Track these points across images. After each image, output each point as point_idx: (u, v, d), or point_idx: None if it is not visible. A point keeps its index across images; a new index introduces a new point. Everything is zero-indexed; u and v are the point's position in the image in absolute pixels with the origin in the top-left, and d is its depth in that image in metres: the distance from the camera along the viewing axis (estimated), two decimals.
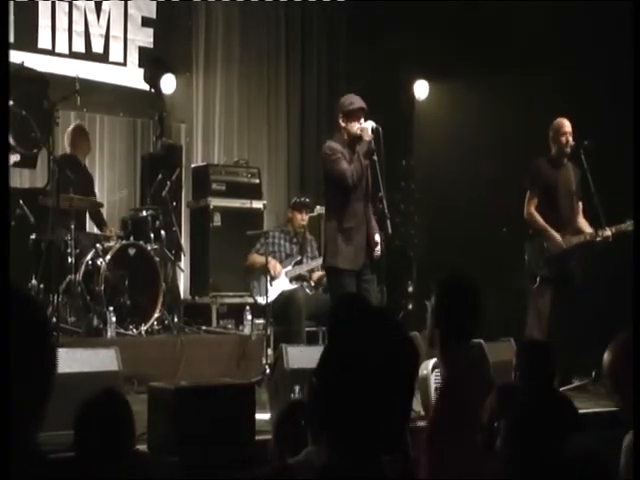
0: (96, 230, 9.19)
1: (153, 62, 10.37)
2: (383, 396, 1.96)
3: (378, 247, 6.96)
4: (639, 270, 6.31)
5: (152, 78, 10.31)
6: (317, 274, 8.78)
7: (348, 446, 1.96)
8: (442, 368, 3.97)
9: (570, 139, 7.88)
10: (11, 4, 8.43)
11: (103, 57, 10.07)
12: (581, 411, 6.59)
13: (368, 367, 1.96)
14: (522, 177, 8.04)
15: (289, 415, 3.71)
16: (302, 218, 8.97)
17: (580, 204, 8.05)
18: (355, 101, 6.97)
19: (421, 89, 11.26)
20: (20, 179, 9.28)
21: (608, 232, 7.74)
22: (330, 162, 6.93)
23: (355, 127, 6.89)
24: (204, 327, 9.23)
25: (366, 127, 6.83)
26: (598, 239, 7.75)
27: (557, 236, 7.83)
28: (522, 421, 2.36)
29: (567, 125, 7.92)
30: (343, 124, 6.96)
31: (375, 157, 6.83)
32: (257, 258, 8.74)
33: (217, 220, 9.71)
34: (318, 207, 9.55)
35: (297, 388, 5.89)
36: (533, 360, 4.18)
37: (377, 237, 6.98)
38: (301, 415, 3.51)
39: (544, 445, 2.34)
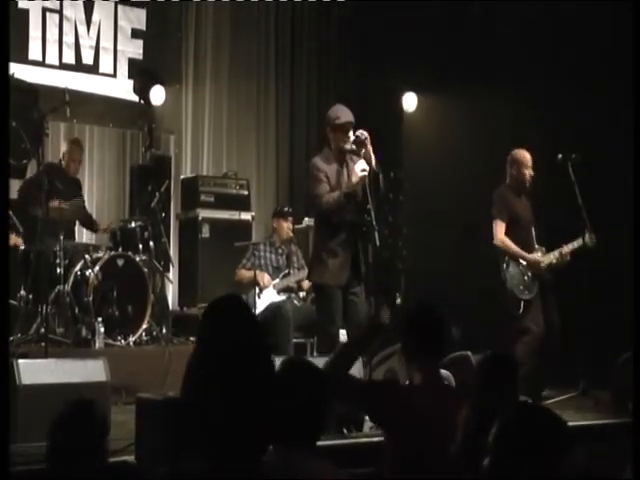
0: (85, 239, 9.19)
1: (143, 73, 10.39)
2: (246, 399, 1.98)
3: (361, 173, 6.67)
4: (639, 273, 6.37)
5: (141, 89, 10.33)
6: (307, 283, 8.78)
7: (221, 449, 1.98)
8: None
9: (532, 174, 7.94)
10: None
11: (93, 68, 10.11)
12: (568, 424, 6.66)
13: (230, 368, 1.99)
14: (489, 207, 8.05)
15: None
16: (288, 226, 8.99)
17: (534, 232, 8.12)
18: (341, 115, 6.87)
19: (410, 101, 11.30)
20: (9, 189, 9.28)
21: (565, 249, 7.86)
22: (312, 181, 6.86)
23: (342, 142, 6.84)
24: (192, 338, 9.21)
25: (357, 172, 6.66)
26: (558, 260, 7.86)
27: (533, 255, 7.89)
28: (509, 439, 2.34)
29: (530, 159, 7.97)
30: (331, 137, 6.90)
31: (366, 171, 6.70)
32: (245, 274, 8.77)
33: (206, 231, 9.73)
34: (307, 219, 9.57)
35: None
36: (500, 374, 4.19)
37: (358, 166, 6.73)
38: None
39: (538, 464, 2.32)
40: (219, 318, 2.52)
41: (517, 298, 7.81)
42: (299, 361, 3.37)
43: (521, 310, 7.78)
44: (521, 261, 7.87)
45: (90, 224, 9.15)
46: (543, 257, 7.91)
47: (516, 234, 7.92)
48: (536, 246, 7.99)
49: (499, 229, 7.92)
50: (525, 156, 7.97)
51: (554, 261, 7.91)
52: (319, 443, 3.09)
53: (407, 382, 4.33)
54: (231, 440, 2.01)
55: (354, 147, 6.78)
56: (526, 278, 7.85)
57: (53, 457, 3.23)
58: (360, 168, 6.67)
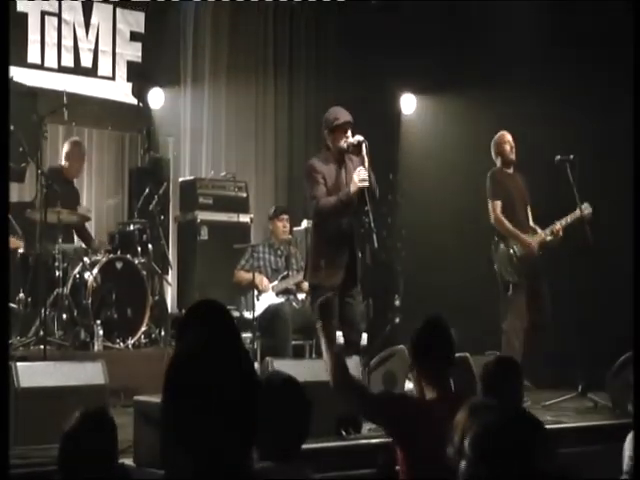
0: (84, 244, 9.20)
1: (141, 76, 10.41)
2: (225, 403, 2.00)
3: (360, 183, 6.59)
4: (639, 274, 6.36)
5: (140, 92, 10.36)
6: (306, 285, 8.75)
7: (204, 452, 1.99)
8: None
9: (513, 145, 8.16)
10: None
11: (92, 71, 10.12)
12: (567, 425, 6.67)
13: (209, 370, 2.01)
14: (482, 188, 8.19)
15: None
16: (284, 225, 8.97)
17: (529, 209, 8.23)
18: (340, 115, 6.83)
19: (408, 103, 11.31)
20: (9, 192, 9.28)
21: (557, 226, 7.98)
22: (309, 182, 6.82)
23: (342, 141, 6.83)
24: None
25: (355, 181, 6.60)
26: (550, 237, 7.99)
27: (527, 239, 7.98)
28: (487, 440, 2.32)
29: (507, 135, 8.23)
30: (329, 139, 6.85)
31: (366, 181, 6.65)
32: (243, 275, 8.75)
33: (204, 234, 9.71)
34: (305, 221, 9.56)
35: None
36: (504, 377, 4.19)
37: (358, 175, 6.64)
38: None
39: (513, 465, 2.31)
40: (197, 321, 2.54)
41: (505, 280, 7.92)
42: (281, 377, 3.39)
43: (510, 292, 7.88)
44: (513, 247, 7.93)
45: (87, 239, 9.12)
46: (536, 236, 7.99)
47: (511, 215, 8.05)
48: (531, 224, 8.09)
49: (495, 208, 8.06)
50: (501, 134, 8.26)
51: (547, 238, 8.01)
52: (319, 445, 3.13)
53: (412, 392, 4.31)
54: (213, 442, 2.02)
55: (354, 144, 6.74)
56: (514, 260, 7.93)
57: (65, 465, 3.24)
58: (360, 178, 6.59)
